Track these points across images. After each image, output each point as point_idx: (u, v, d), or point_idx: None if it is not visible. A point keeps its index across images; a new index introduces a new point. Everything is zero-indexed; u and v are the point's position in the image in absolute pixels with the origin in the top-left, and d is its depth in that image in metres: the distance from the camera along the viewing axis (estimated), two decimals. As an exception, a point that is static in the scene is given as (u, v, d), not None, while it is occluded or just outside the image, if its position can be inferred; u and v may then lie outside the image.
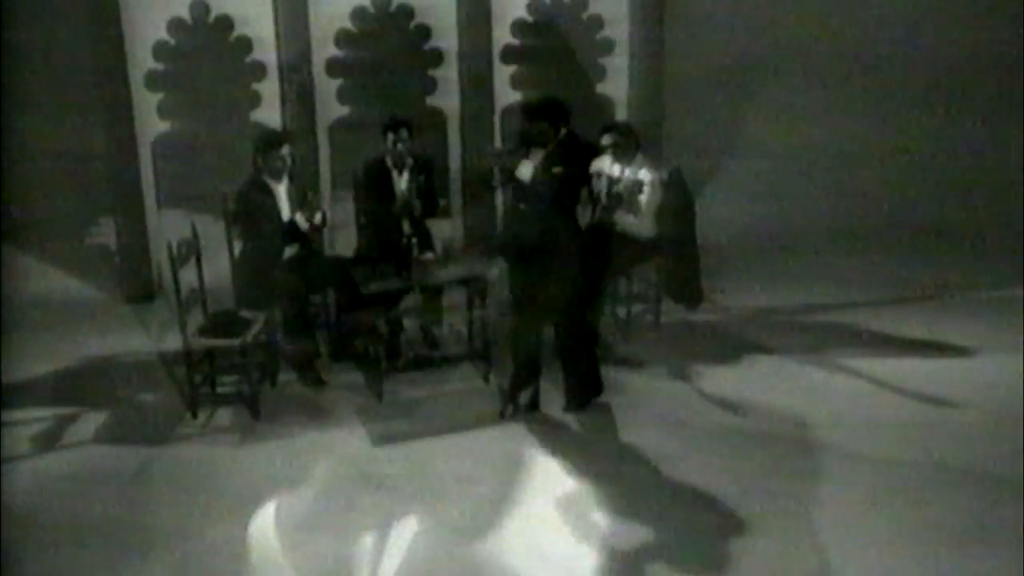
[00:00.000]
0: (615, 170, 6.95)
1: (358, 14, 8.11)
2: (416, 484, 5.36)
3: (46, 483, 5.48)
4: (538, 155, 5.80)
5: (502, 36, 8.32)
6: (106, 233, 8.58)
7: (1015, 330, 7.00)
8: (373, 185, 6.89)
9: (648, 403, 6.20)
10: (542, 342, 5.99)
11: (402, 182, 6.87)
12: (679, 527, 4.87)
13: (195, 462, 5.66)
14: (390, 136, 6.79)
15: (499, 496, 5.21)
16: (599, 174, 6.98)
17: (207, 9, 7.91)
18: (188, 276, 6.10)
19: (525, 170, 5.78)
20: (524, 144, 5.93)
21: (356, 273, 6.42)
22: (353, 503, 5.20)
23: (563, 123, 5.82)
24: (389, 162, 6.86)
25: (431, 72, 8.35)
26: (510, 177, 5.90)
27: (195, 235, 6.25)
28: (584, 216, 7.04)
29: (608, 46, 8.52)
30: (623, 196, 6.88)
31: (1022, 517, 4.79)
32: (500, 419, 5.98)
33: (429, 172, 7.00)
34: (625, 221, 6.92)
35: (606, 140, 6.95)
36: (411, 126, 6.85)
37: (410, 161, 6.86)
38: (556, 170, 5.71)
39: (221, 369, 6.42)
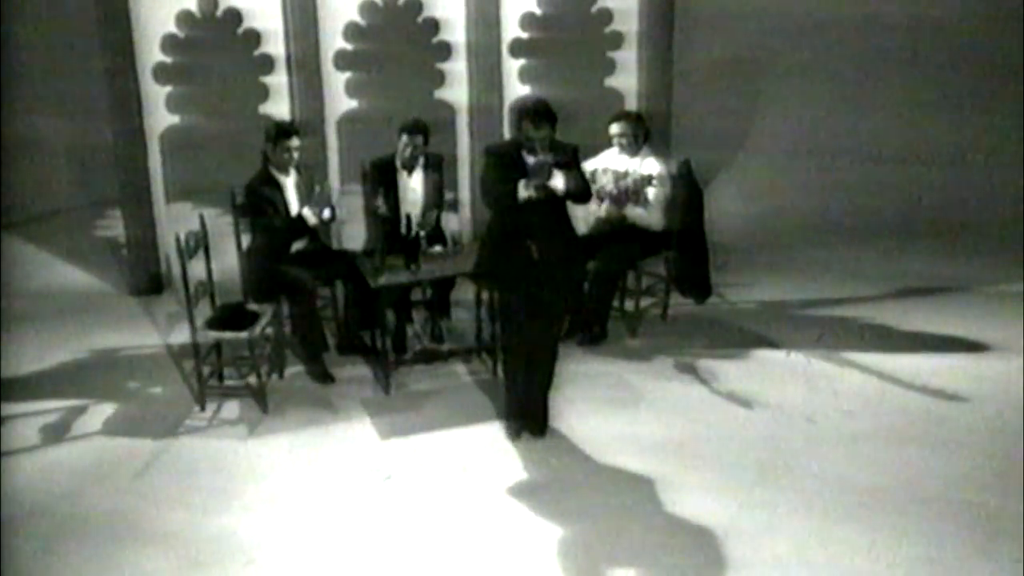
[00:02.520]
0: (621, 163, 6.92)
1: (367, 7, 8.09)
2: (423, 477, 5.37)
3: (54, 475, 5.49)
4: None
5: (511, 29, 8.30)
6: (114, 226, 8.61)
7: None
8: (380, 184, 6.87)
9: (654, 397, 6.20)
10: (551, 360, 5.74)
11: (412, 180, 6.86)
12: (681, 521, 4.87)
13: (203, 454, 5.68)
14: (404, 139, 6.77)
15: (506, 490, 5.22)
16: (605, 168, 6.96)
17: (215, 2, 7.91)
18: (196, 269, 6.13)
19: (559, 180, 5.41)
20: (519, 152, 5.50)
21: (364, 266, 6.42)
22: (360, 496, 5.21)
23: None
24: (398, 162, 6.84)
25: (440, 66, 8.33)
26: (543, 188, 5.42)
27: (203, 228, 6.26)
28: (592, 211, 7.04)
29: (617, 40, 8.48)
30: (629, 192, 6.86)
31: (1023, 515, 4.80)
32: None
33: (439, 169, 7.00)
34: (634, 214, 6.91)
35: (614, 129, 6.93)
36: (428, 131, 6.84)
37: (421, 160, 6.85)
38: (570, 174, 5.46)
39: (229, 362, 6.43)
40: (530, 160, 5.41)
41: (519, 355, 5.67)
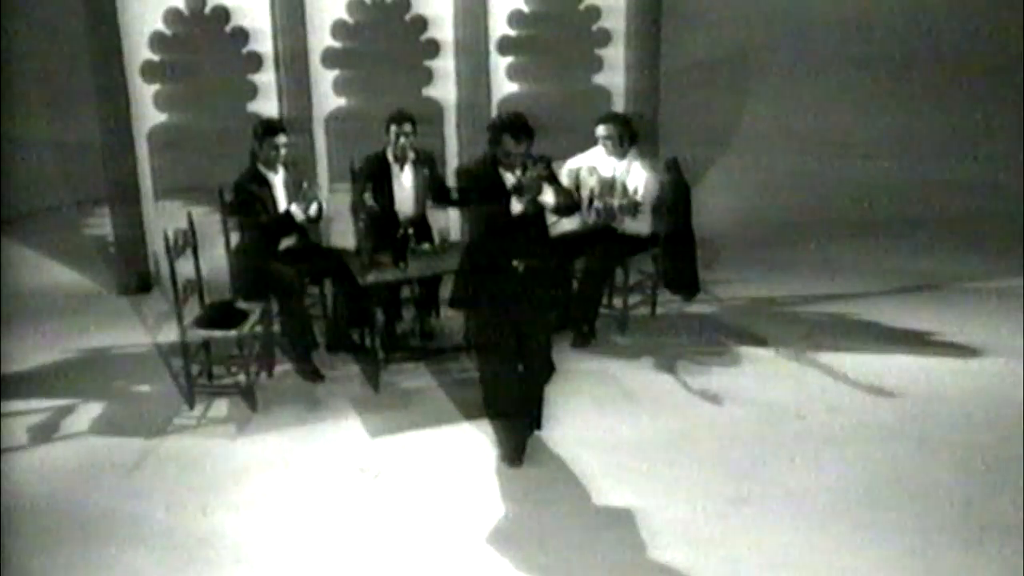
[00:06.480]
0: (607, 165, 6.92)
1: (355, 5, 8.09)
2: (412, 476, 5.38)
3: (43, 474, 5.48)
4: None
5: (499, 27, 8.31)
6: (102, 224, 8.58)
7: (1014, 323, 7.00)
8: (373, 180, 6.87)
9: (643, 393, 6.22)
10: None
11: (403, 177, 6.88)
12: (670, 518, 4.89)
13: (192, 453, 5.67)
14: (393, 129, 6.77)
15: (495, 488, 5.24)
16: (591, 169, 6.96)
17: (203, 0, 7.90)
18: (185, 267, 6.11)
19: (549, 196, 5.35)
20: (495, 168, 5.38)
21: (353, 264, 6.42)
22: (349, 494, 5.22)
23: None
24: (390, 156, 6.85)
25: (427, 63, 8.33)
26: (533, 204, 5.35)
27: (191, 226, 6.25)
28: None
29: (605, 37, 8.50)
30: (624, 208, 6.84)
31: (1023, 512, 4.81)
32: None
33: (431, 166, 7.01)
34: (622, 221, 6.91)
35: (601, 131, 6.91)
36: (415, 120, 6.84)
37: (412, 155, 6.86)
38: (557, 188, 5.42)
39: (218, 360, 6.43)
40: (507, 176, 5.34)
41: (505, 387, 5.58)
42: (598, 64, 8.55)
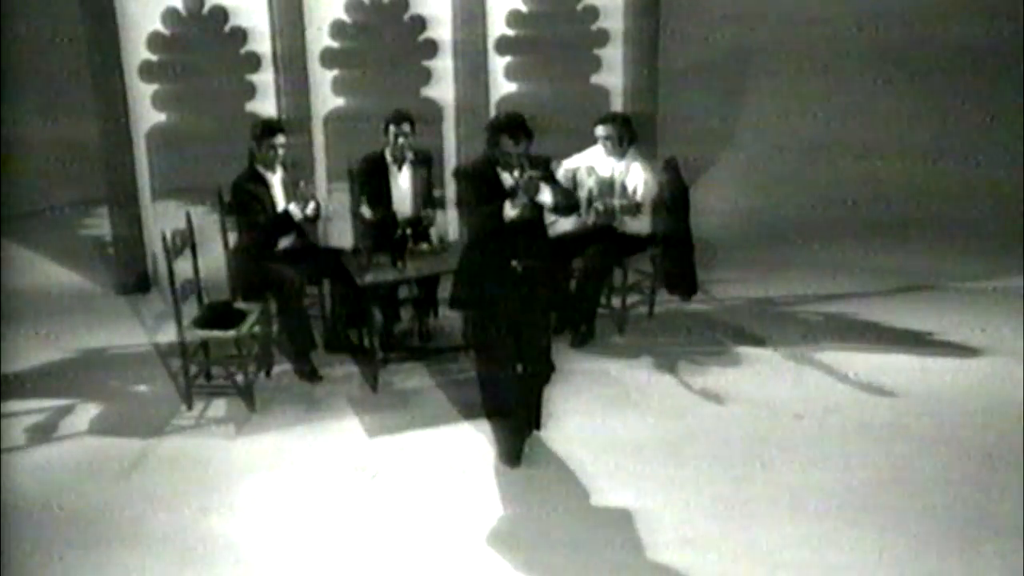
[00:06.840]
0: (606, 165, 6.92)
1: (353, 5, 8.08)
2: (410, 476, 5.37)
3: (41, 475, 5.48)
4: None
5: (497, 27, 8.30)
6: (101, 224, 8.59)
7: (1012, 322, 6.99)
8: (370, 180, 6.87)
9: (641, 393, 6.21)
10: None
11: (401, 178, 6.87)
12: (667, 517, 4.89)
13: (190, 454, 5.67)
14: (392, 129, 6.76)
15: (493, 488, 5.23)
16: (589, 169, 6.96)
17: (201, 0, 7.90)
18: (183, 267, 6.11)
19: (547, 195, 5.41)
20: (494, 169, 5.46)
21: (352, 264, 6.42)
22: (347, 494, 5.21)
23: None
24: (388, 157, 6.85)
25: (426, 63, 8.32)
26: (530, 205, 5.41)
27: (190, 226, 6.25)
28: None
29: (603, 37, 8.49)
30: (625, 208, 6.84)
31: (1022, 512, 4.80)
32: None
33: (429, 167, 7.00)
34: (622, 222, 6.90)
35: (600, 131, 6.91)
36: (414, 120, 6.84)
37: (410, 156, 6.85)
38: (554, 188, 5.45)
39: (216, 361, 6.41)
40: (506, 177, 5.35)
41: (503, 387, 5.57)
42: (596, 64, 8.54)
